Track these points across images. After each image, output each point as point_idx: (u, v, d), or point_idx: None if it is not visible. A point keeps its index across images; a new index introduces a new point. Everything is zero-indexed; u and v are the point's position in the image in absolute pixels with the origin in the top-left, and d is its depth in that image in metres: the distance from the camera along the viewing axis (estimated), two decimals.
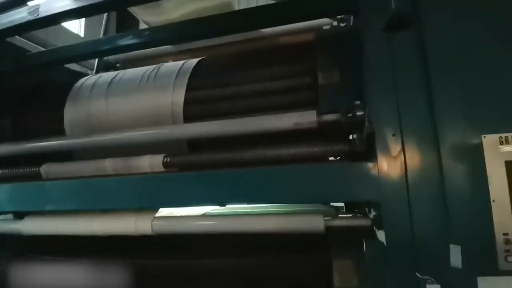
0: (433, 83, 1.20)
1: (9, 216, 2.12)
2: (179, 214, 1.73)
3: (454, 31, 1.22)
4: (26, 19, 1.56)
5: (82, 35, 7.53)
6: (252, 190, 1.39)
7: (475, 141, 1.16)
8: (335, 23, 2.50)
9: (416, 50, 1.24)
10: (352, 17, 2.02)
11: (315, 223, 1.40)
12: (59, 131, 1.97)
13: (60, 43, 2.87)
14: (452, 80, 1.19)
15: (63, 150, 1.87)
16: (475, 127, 1.16)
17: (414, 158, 1.21)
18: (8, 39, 2.22)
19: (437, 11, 1.24)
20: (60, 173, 1.76)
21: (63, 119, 1.98)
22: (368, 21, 1.33)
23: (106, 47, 2.11)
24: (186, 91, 1.79)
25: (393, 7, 1.06)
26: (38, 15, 1.51)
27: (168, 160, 1.56)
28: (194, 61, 1.99)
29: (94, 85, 2.02)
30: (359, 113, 1.36)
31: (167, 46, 2.61)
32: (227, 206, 2.48)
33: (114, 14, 3.16)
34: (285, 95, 1.72)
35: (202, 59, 2.03)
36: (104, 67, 2.84)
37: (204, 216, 1.60)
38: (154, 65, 2.06)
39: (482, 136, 1.15)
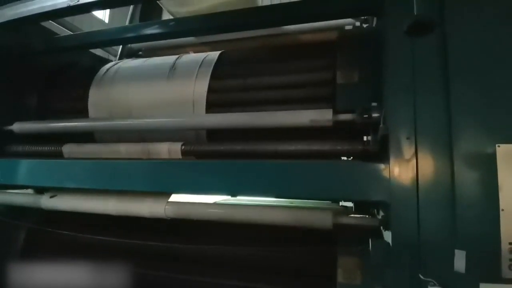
0: (451, 88, 1.21)
1: (30, 191, 2.23)
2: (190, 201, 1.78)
3: (476, 37, 1.22)
4: (66, 5, 1.61)
5: (106, 21, 7.67)
6: (264, 182, 1.42)
7: (489, 150, 1.16)
8: (357, 23, 2.50)
9: (437, 54, 1.24)
10: (375, 19, 2.03)
11: (324, 219, 1.43)
12: (83, 113, 2.04)
13: (85, 27, 2.96)
14: (471, 87, 1.20)
15: (86, 132, 1.95)
16: (490, 136, 1.17)
17: (426, 163, 1.22)
18: None
19: (461, 17, 1.24)
20: (81, 153, 1.84)
21: (87, 102, 2.05)
22: (391, 23, 1.34)
23: (131, 34, 2.16)
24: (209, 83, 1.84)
25: (415, 12, 1.07)
26: (78, 1, 1.57)
27: (186, 148, 1.62)
28: (215, 54, 2.03)
29: (118, 71, 2.09)
30: (374, 114, 1.38)
31: (190, 38, 2.66)
32: (237, 198, 2.54)
33: None
34: (304, 92, 1.75)
35: (223, 52, 2.08)
36: (128, 54, 2.91)
37: (215, 204, 1.65)
38: (176, 55, 2.12)
39: (497, 145, 1.16)
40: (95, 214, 1.77)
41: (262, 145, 1.59)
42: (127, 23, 3.09)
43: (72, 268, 1.97)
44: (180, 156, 1.63)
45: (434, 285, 1.16)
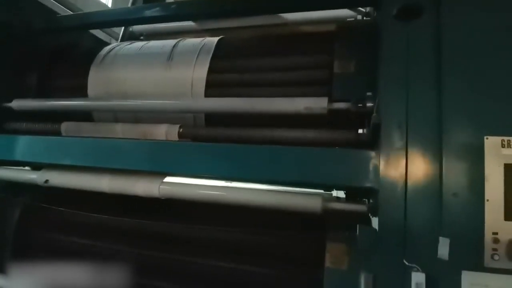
0: (444, 79, 1.23)
1: (27, 168, 2.25)
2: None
3: (469, 28, 1.24)
4: None
5: (109, 5, 7.65)
6: (257, 166, 1.45)
7: (478, 141, 1.19)
8: (359, 17, 2.51)
9: (431, 45, 1.26)
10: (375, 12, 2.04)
11: (313, 203, 1.46)
12: (82, 93, 2.06)
13: (88, 9, 2.96)
14: (463, 79, 1.22)
15: (84, 111, 1.97)
16: (479, 128, 1.19)
17: (416, 152, 1.25)
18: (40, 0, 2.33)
19: (456, 7, 1.26)
20: (79, 131, 1.86)
21: (87, 83, 2.06)
22: (385, 11, 1.35)
23: (132, 16, 2.17)
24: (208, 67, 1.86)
25: None
26: None
27: (184, 130, 1.64)
28: (215, 39, 2.04)
29: (118, 54, 2.10)
30: (369, 104, 1.40)
31: (191, 24, 2.67)
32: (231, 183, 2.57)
33: None
34: (301, 82, 1.77)
35: (222, 38, 2.08)
36: (129, 38, 2.91)
37: (208, 186, 1.68)
38: (176, 39, 2.13)
39: (485, 137, 1.18)
40: (91, 196, 1.80)
41: (257, 131, 1.61)
42: (129, 5, 3.08)
43: (65, 247, 2.00)
44: (176, 138, 1.66)
45: (418, 270, 1.20)
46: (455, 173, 1.21)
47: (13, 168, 2.10)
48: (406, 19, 1.07)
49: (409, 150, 1.25)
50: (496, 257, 1.16)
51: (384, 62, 1.34)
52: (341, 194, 2.16)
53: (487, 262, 1.17)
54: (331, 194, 2.21)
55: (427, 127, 1.24)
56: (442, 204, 1.21)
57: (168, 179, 1.69)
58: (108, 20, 2.15)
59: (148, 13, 1.96)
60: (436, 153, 1.22)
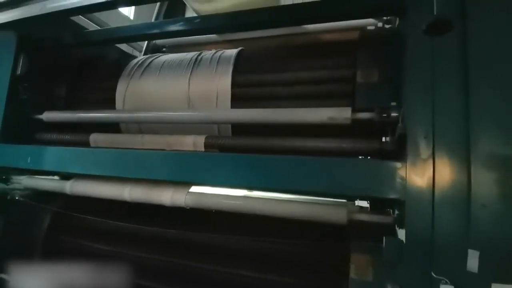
0: (471, 89, 1.22)
1: (56, 177, 2.34)
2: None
3: (497, 37, 1.23)
4: (97, 1, 1.70)
5: (131, 17, 7.83)
6: (281, 176, 1.46)
7: (506, 152, 1.17)
8: (380, 24, 2.50)
9: (458, 54, 1.25)
10: (397, 19, 2.03)
11: (339, 214, 1.46)
12: (110, 105, 2.13)
13: (111, 22, 3.06)
14: (490, 88, 1.21)
15: (111, 123, 2.04)
16: (508, 138, 1.17)
17: (443, 162, 1.23)
18: None
19: (483, 16, 1.25)
20: (107, 143, 1.92)
21: (114, 94, 2.14)
22: (412, 22, 1.35)
23: (156, 31, 2.23)
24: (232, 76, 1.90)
25: (435, 11, 1.08)
26: None
27: (209, 141, 1.69)
28: (235, 51, 2.09)
29: (146, 66, 2.17)
30: (393, 114, 1.40)
31: (212, 35, 2.72)
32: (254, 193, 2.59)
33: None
34: (324, 90, 1.78)
35: (242, 49, 2.13)
36: (152, 50, 2.99)
37: (233, 196, 1.70)
38: (200, 52, 2.19)
39: None
40: (116, 205, 1.85)
41: (282, 141, 1.63)
42: (153, 20, 3.17)
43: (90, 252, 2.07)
44: (203, 149, 1.69)
45: (446, 283, 1.18)
46: (484, 184, 1.18)
47: (43, 178, 2.19)
48: (435, 34, 1.07)
49: (436, 160, 1.24)
50: None
51: (410, 72, 1.33)
52: (363, 202, 2.15)
53: None
54: (354, 203, 2.20)
55: (455, 137, 1.22)
56: (470, 216, 1.18)
57: (193, 188, 1.72)
58: (133, 35, 2.22)
59: (172, 27, 2.02)
60: (464, 163, 1.20)
